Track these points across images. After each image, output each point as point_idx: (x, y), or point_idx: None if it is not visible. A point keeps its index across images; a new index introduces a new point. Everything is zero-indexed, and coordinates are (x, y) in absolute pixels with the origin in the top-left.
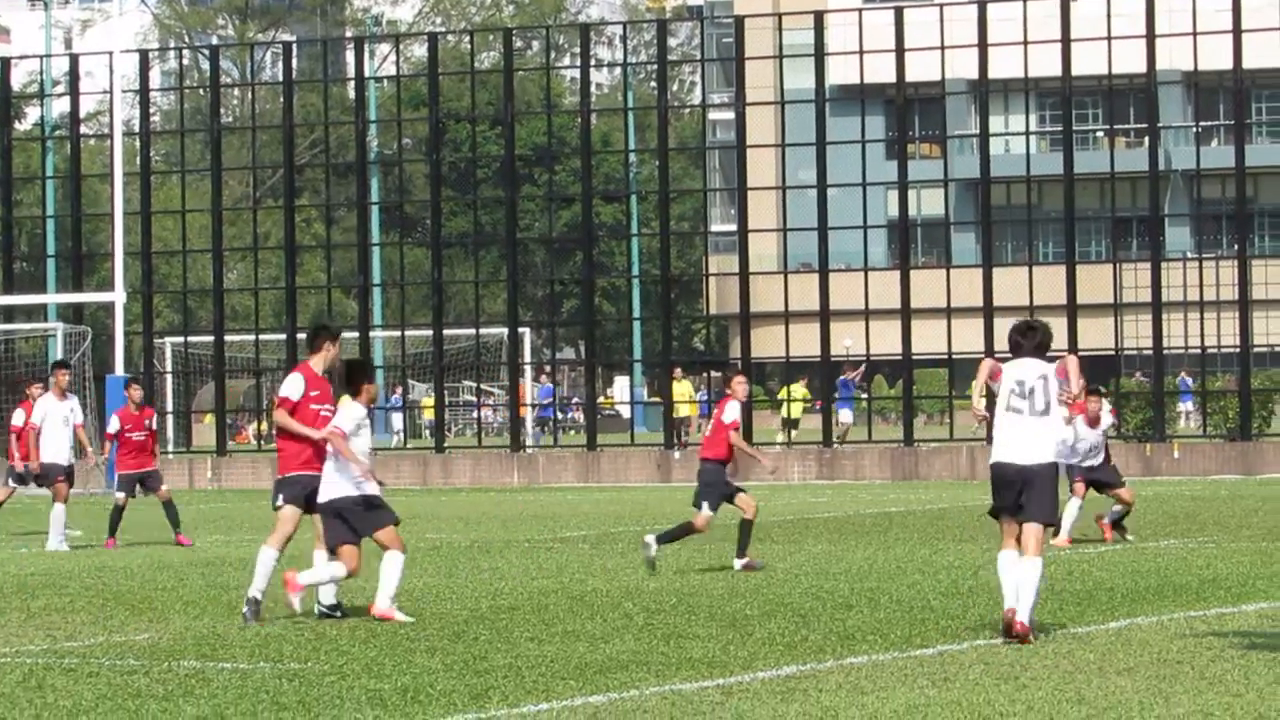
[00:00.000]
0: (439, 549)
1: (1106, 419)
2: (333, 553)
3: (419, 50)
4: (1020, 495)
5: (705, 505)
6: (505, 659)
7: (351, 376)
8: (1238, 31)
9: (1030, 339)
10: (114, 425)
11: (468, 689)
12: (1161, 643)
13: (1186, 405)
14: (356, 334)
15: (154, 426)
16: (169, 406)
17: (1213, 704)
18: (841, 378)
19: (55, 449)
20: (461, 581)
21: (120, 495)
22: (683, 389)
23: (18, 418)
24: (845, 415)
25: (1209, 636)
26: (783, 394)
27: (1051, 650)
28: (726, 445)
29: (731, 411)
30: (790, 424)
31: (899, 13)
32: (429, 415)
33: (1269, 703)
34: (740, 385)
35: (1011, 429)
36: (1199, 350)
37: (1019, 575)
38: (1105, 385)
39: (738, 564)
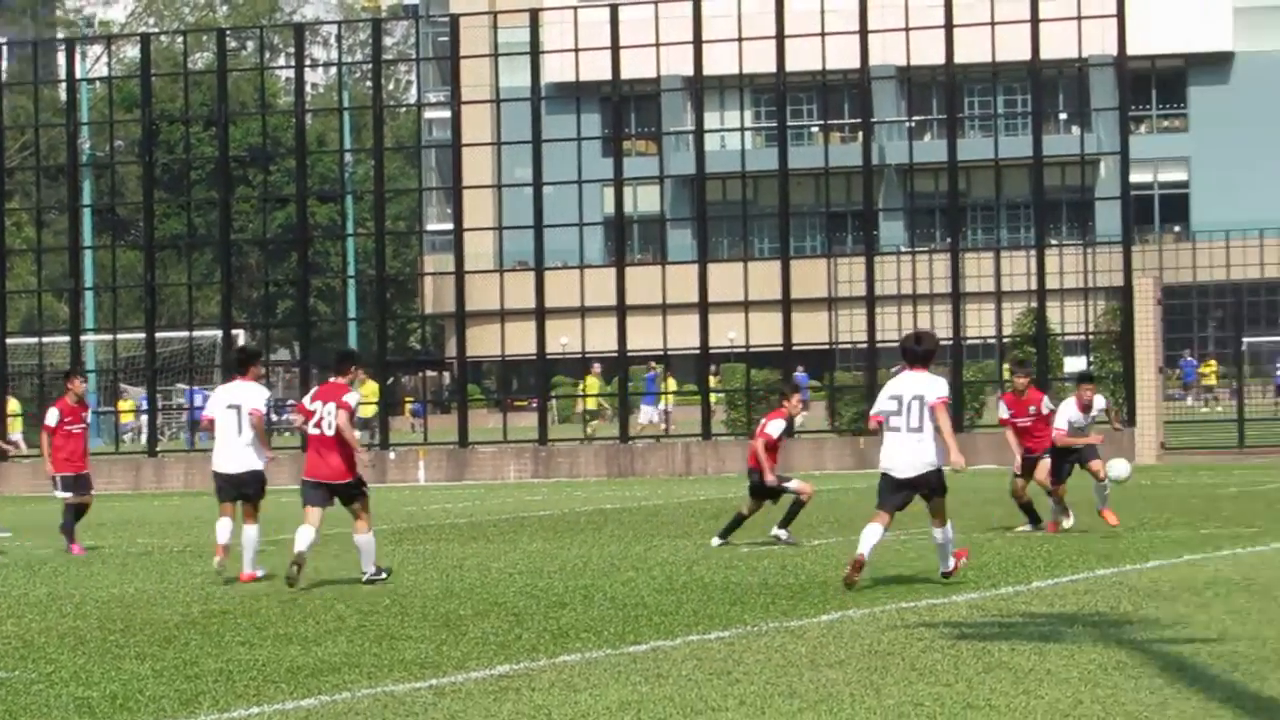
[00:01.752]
0: (150, 554)
1: (1099, 403)
2: None
3: (132, 51)
4: (905, 499)
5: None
6: (216, 664)
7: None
8: (950, 26)
9: (923, 344)
10: (53, 418)
11: (177, 695)
12: (873, 635)
13: None
14: (67, 338)
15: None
16: None
17: (923, 694)
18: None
19: None
20: (172, 586)
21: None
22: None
23: None
24: (647, 412)
25: (919, 628)
26: (581, 388)
27: (764, 644)
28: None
29: (774, 427)
30: (591, 415)
31: (614, 10)
32: (126, 419)
33: (978, 692)
34: (795, 403)
35: (892, 445)
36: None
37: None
38: (820, 379)
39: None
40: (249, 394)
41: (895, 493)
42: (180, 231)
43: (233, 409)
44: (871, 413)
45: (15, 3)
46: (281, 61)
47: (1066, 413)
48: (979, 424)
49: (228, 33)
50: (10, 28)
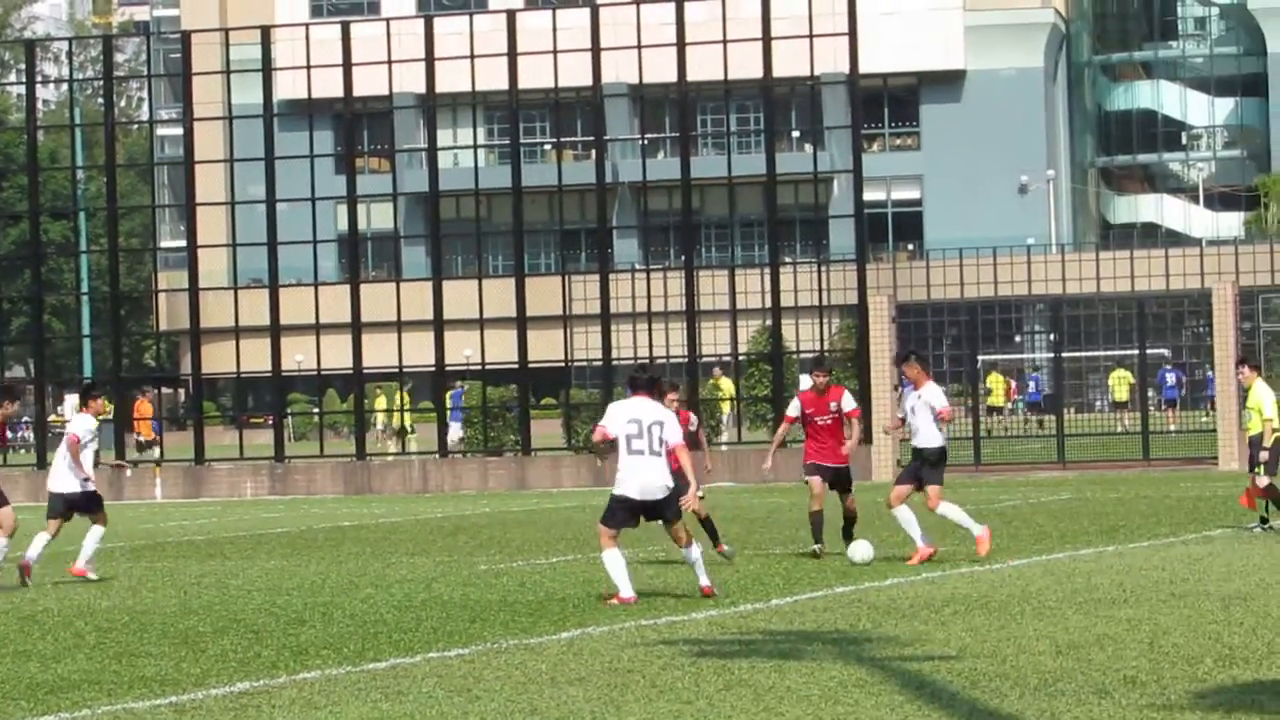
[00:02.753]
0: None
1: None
2: None
3: None
4: (638, 518)
5: None
6: None
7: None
8: (681, 45)
9: (647, 373)
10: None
11: None
12: (613, 651)
13: None
14: None
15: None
16: None
17: (663, 711)
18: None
19: None
20: None
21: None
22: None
23: None
24: (456, 430)
25: (660, 645)
26: (381, 403)
27: (504, 661)
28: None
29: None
30: (402, 433)
31: (346, 27)
32: None
33: (718, 709)
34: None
35: (634, 467)
36: (648, 360)
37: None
38: (555, 397)
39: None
40: (75, 423)
41: (628, 514)
42: None
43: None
44: (606, 429)
45: None
46: (13, 78)
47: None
48: (715, 441)
49: None
50: None
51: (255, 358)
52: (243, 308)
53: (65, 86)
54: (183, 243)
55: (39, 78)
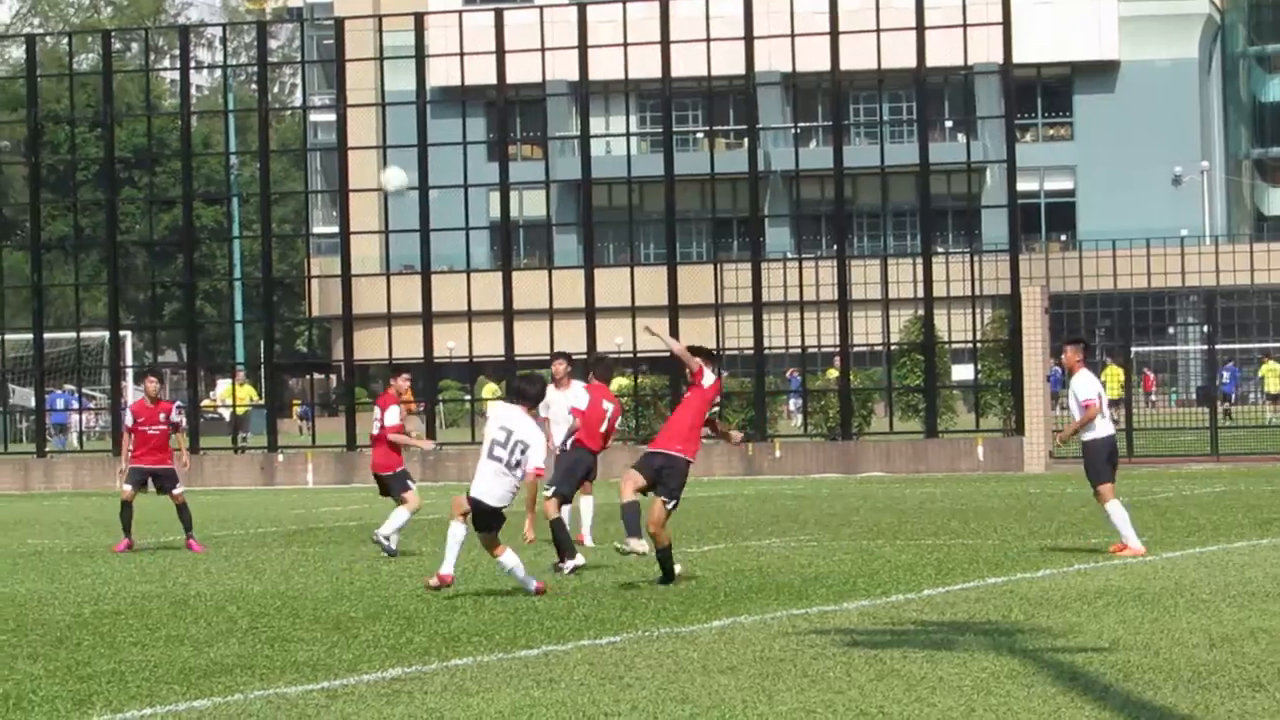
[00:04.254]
0: (41, 554)
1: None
2: None
3: (17, 52)
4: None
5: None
6: (109, 664)
7: None
8: (835, 34)
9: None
10: (129, 419)
11: (70, 695)
12: (764, 641)
13: (794, 404)
14: None
15: (175, 420)
16: None
17: (815, 701)
18: None
19: None
20: (64, 587)
21: (128, 489)
22: (244, 392)
23: None
24: None
25: (811, 634)
26: (489, 390)
27: (655, 650)
28: None
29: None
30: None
31: (499, 14)
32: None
33: (870, 699)
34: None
35: (489, 473)
36: (800, 350)
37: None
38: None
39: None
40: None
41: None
42: (67, 233)
43: None
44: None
45: None
46: (166, 64)
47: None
48: (867, 432)
49: (113, 34)
50: None
51: (407, 344)
52: (395, 294)
53: (219, 72)
54: (335, 229)
55: (193, 63)
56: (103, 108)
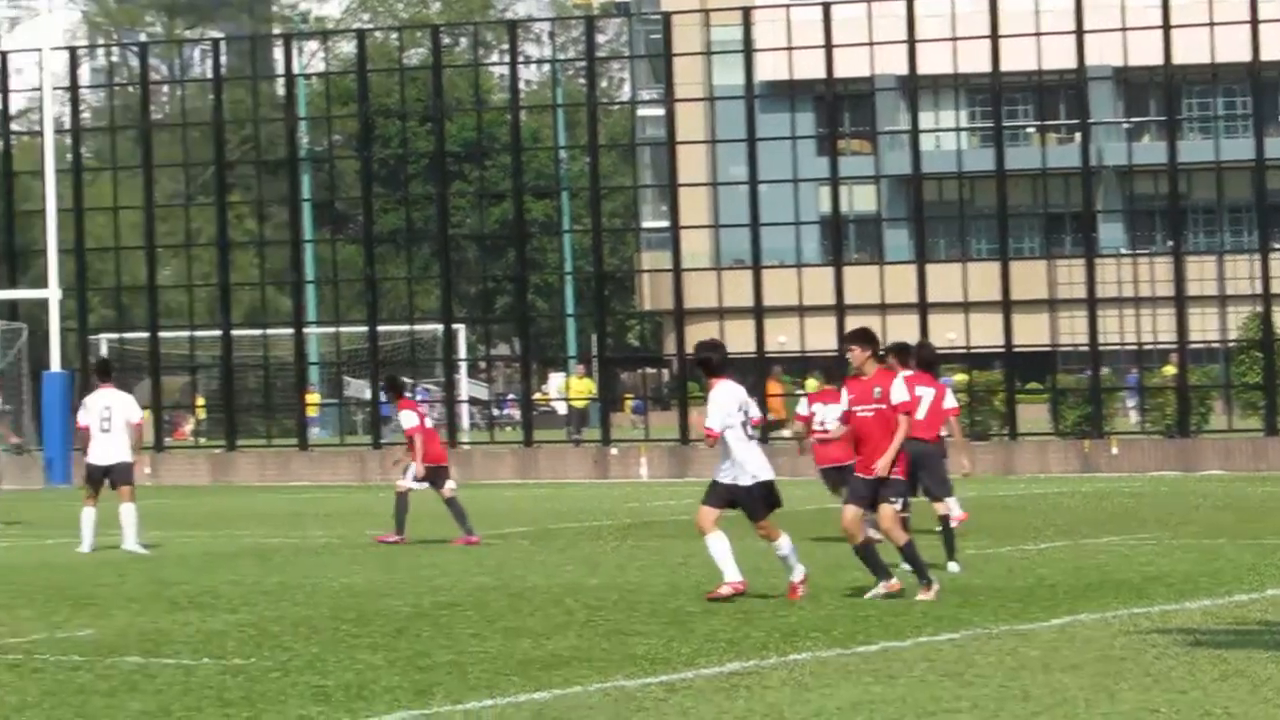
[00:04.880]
0: (379, 545)
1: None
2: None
3: (348, 47)
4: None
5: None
6: (448, 655)
7: None
8: (1167, 27)
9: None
10: (414, 419)
11: (411, 685)
12: (1105, 639)
13: (1131, 402)
14: (291, 331)
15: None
16: None
17: (1158, 700)
18: None
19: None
20: (402, 578)
21: (415, 486)
22: (583, 386)
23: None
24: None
25: (1153, 634)
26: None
27: (995, 647)
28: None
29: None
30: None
31: (827, 9)
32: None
33: (1214, 699)
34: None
35: (754, 452)
36: (1135, 346)
37: None
38: (1041, 382)
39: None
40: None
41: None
42: (398, 226)
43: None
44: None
45: (233, 0)
46: (495, 58)
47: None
48: (1205, 429)
49: (442, 29)
50: (228, 23)
51: (738, 338)
52: (726, 288)
53: (547, 67)
54: (665, 223)
55: (521, 58)
56: (433, 102)
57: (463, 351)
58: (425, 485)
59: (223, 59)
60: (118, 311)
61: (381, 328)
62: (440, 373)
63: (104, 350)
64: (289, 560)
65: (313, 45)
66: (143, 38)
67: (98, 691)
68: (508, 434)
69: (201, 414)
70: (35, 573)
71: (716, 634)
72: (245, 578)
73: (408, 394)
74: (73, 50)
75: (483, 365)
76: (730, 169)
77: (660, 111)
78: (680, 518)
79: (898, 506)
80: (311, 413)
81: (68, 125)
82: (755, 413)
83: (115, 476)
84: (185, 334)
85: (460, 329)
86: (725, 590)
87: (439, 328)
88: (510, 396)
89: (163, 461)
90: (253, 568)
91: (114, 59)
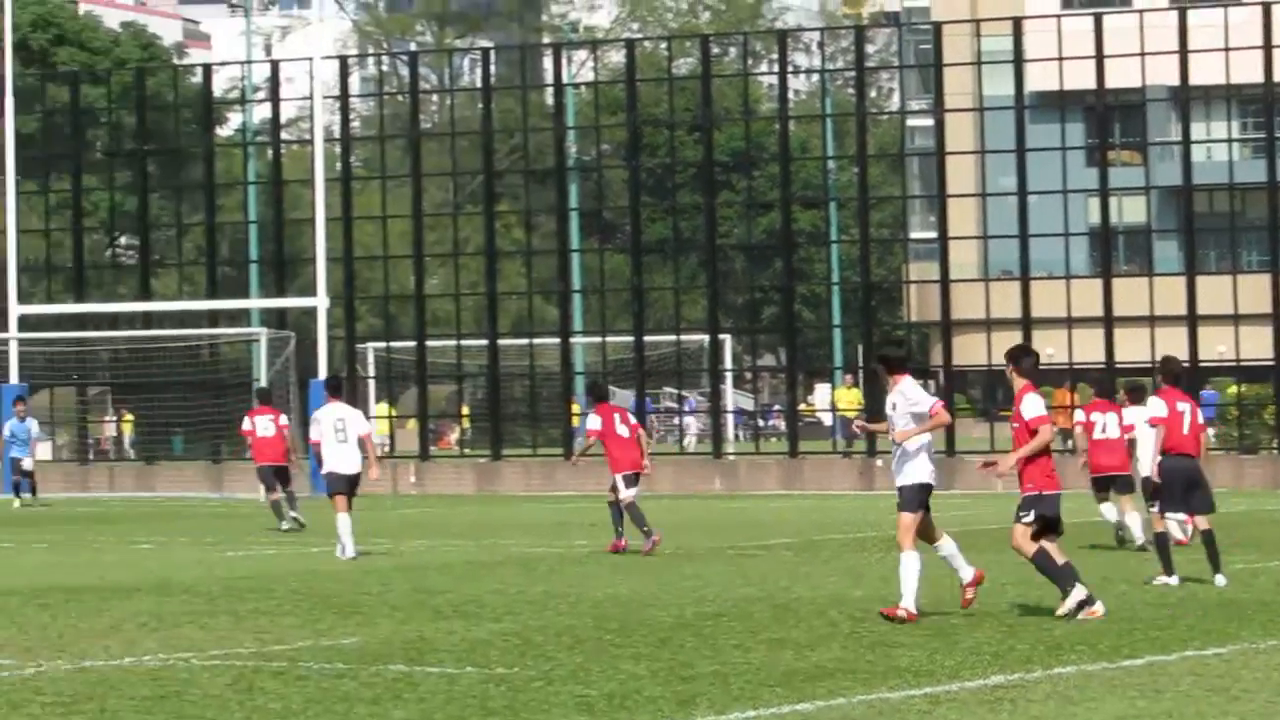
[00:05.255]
0: (643, 557)
1: None
2: None
3: (617, 56)
4: None
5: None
6: (711, 666)
7: None
8: None
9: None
10: (597, 423)
11: (674, 695)
12: None
13: None
14: (557, 340)
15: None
16: (371, 411)
17: None
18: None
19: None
20: (666, 588)
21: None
22: (851, 396)
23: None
24: None
25: None
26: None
27: (1263, 663)
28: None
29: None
30: None
31: (1098, 19)
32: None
33: None
34: None
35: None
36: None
37: None
38: None
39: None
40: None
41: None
42: (666, 235)
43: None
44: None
45: (503, 8)
46: (764, 68)
47: None
48: None
49: (711, 39)
50: (498, 33)
51: (1005, 349)
52: (993, 299)
53: (816, 76)
54: (933, 234)
55: (790, 68)
56: (701, 111)
57: (728, 362)
58: (635, 491)
59: (492, 68)
60: (385, 320)
61: (647, 337)
62: (706, 383)
63: (370, 359)
64: (553, 569)
65: (582, 54)
66: (413, 47)
67: (362, 699)
68: (773, 445)
69: (467, 423)
70: (300, 580)
71: (981, 646)
72: (509, 587)
73: (611, 400)
74: (343, 59)
75: (748, 375)
76: (999, 179)
77: (929, 122)
78: (946, 530)
79: (1028, 519)
80: (576, 422)
81: (337, 134)
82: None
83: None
84: (451, 343)
85: (726, 339)
86: (901, 614)
87: (705, 338)
88: (776, 407)
89: (428, 470)
90: (517, 577)
91: (384, 68)
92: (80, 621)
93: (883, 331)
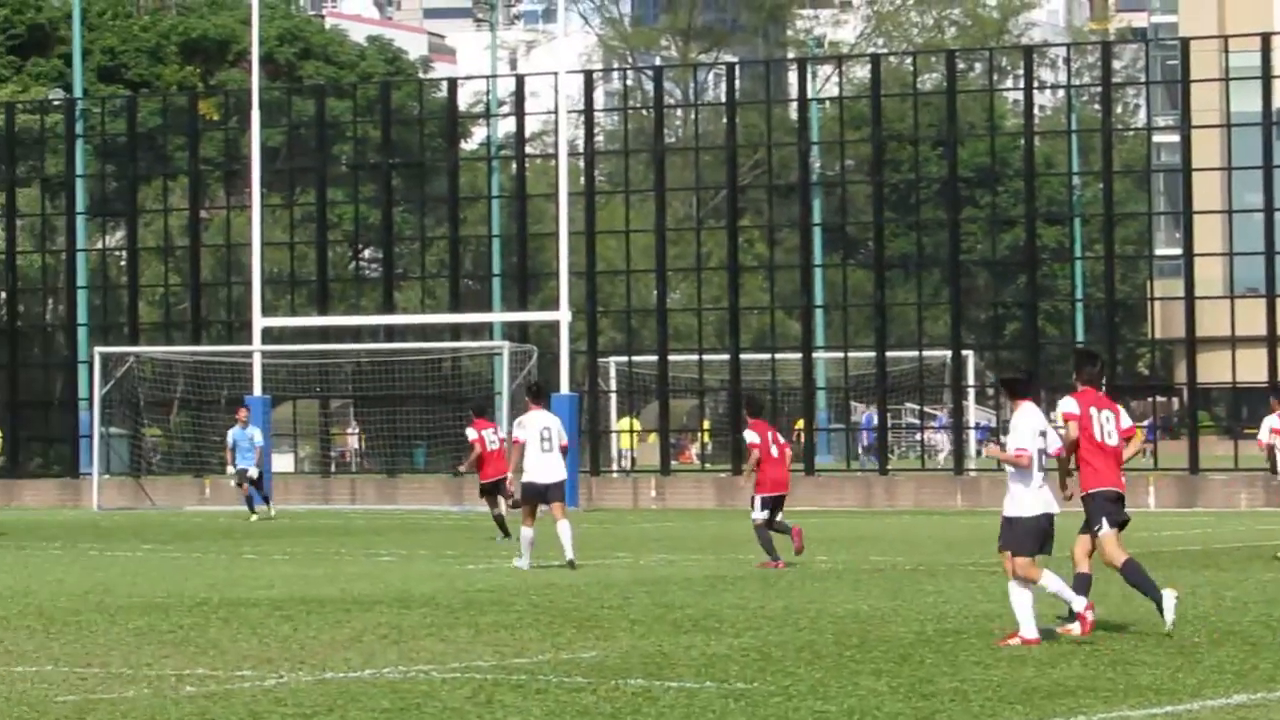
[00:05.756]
0: (883, 571)
1: None
2: None
3: (861, 71)
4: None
5: None
6: (951, 683)
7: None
8: None
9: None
10: (754, 437)
11: (914, 712)
12: None
13: None
14: (799, 355)
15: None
16: (612, 425)
17: None
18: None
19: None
20: (906, 604)
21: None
22: None
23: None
24: None
25: None
26: None
27: None
28: None
29: None
30: None
31: None
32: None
33: None
34: None
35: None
36: None
37: None
38: None
39: None
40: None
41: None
42: (909, 251)
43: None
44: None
45: (748, 23)
46: (1009, 83)
47: None
48: None
49: (956, 54)
50: (742, 47)
51: (1250, 368)
52: (1239, 317)
53: (1061, 92)
54: (1178, 250)
55: (1035, 83)
56: (946, 127)
57: (971, 378)
58: (768, 515)
59: (736, 83)
60: (626, 334)
61: (890, 353)
62: (947, 399)
63: (612, 373)
64: (793, 585)
65: (826, 69)
66: (657, 61)
67: (601, 714)
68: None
69: (708, 438)
70: (539, 593)
71: (1223, 665)
72: (749, 602)
73: (761, 415)
74: (588, 74)
75: (990, 392)
76: (1246, 196)
77: (1175, 138)
78: (1190, 548)
79: (1101, 530)
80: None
81: (581, 148)
82: (1054, 443)
83: (553, 495)
84: (693, 357)
85: (969, 355)
86: (1015, 641)
87: (947, 354)
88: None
89: (668, 485)
90: (756, 592)
91: (628, 83)
92: (321, 633)
93: (1125, 347)
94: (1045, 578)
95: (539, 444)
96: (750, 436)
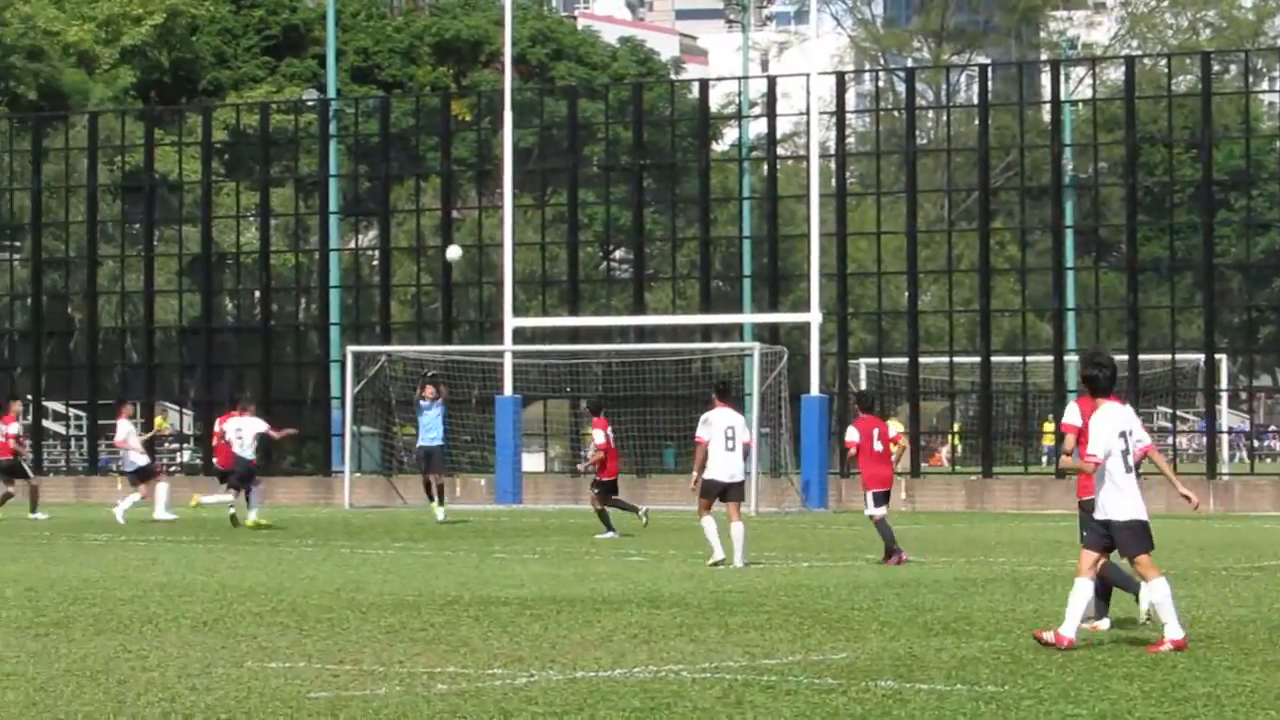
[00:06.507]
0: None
1: None
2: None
3: (1115, 73)
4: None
5: None
6: (1205, 688)
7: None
8: None
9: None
10: (854, 435)
11: (1166, 717)
12: None
13: None
14: (1050, 358)
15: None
16: None
17: None
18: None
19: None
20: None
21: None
22: None
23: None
24: None
25: None
26: None
27: None
28: None
29: None
30: None
31: None
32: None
33: None
34: None
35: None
36: None
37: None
38: None
39: None
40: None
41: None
42: (1161, 254)
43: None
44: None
45: (1001, 25)
46: (1265, 85)
47: None
48: None
49: (1211, 55)
50: (995, 49)
51: None
52: None
53: None
54: None
55: None
56: (1200, 129)
57: (1224, 382)
58: (884, 510)
59: (989, 84)
60: (877, 336)
61: (1142, 356)
62: (1200, 403)
63: (863, 375)
64: (1044, 588)
65: (1080, 71)
66: (909, 63)
67: (851, 715)
68: (1268, 465)
69: (958, 440)
70: (789, 594)
71: None
72: (999, 604)
73: (872, 411)
74: (840, 75)
75: (1243, 396)
76: None
77: None
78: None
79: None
80: (1048, 441)
81: (833, 149)
82: (1143, 440)
83: (731, 494)
84: (944, 359)
85: (1222, 359)
86: (1167, 646)
87: (1200, 357)
88: (1272, 428)
89: (919, 487)
90: (1007, 594)
91: (880, 84)
92: (571, 632)
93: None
94: (1156, 584)
95: (723, 442)
96: (850, 435)
